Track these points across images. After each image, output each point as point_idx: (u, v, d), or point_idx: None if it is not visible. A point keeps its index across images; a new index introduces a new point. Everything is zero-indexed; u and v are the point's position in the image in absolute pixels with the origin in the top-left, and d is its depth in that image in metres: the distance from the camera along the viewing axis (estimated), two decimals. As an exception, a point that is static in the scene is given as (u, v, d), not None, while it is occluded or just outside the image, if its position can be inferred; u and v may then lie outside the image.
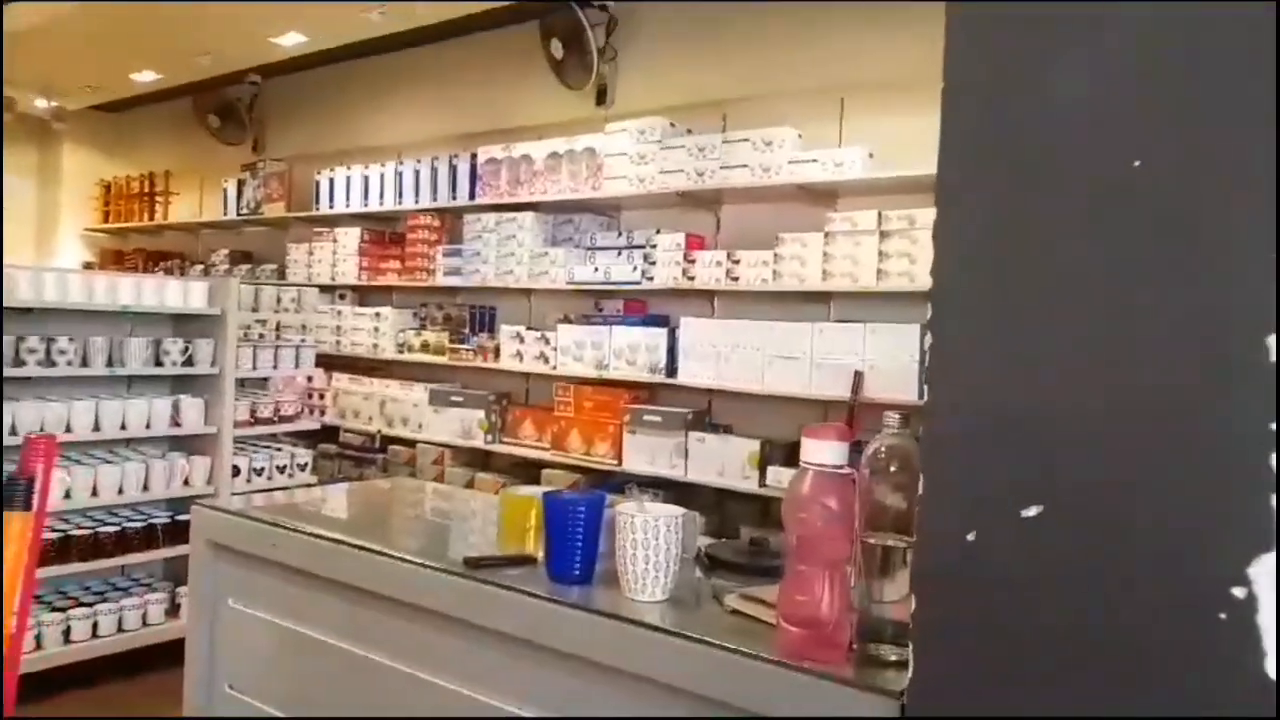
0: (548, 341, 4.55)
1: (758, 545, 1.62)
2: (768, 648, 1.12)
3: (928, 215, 3.64)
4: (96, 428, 3.52)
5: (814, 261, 3.75)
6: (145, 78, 6.81)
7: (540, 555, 1.51)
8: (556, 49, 4.86)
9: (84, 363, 3.51)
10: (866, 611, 1.12)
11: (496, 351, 4.80)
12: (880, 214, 3.58)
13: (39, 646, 3.31)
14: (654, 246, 4.26)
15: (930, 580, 0.94)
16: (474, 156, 5.07)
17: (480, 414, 4.73)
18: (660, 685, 1.20)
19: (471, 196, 5.05)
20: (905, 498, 1.11)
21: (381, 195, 5.57)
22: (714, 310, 4.30)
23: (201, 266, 6.97)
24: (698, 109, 4.45)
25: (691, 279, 4.12)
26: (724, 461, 3.85)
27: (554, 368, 4.51)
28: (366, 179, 5.69)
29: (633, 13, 4.78)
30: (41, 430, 3.34)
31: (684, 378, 4.03)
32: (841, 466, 1.12)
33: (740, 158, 4.01)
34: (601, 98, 4.87)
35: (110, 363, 3.57)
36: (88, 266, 8.12)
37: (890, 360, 3.43)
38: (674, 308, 4.34)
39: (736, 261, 3.99)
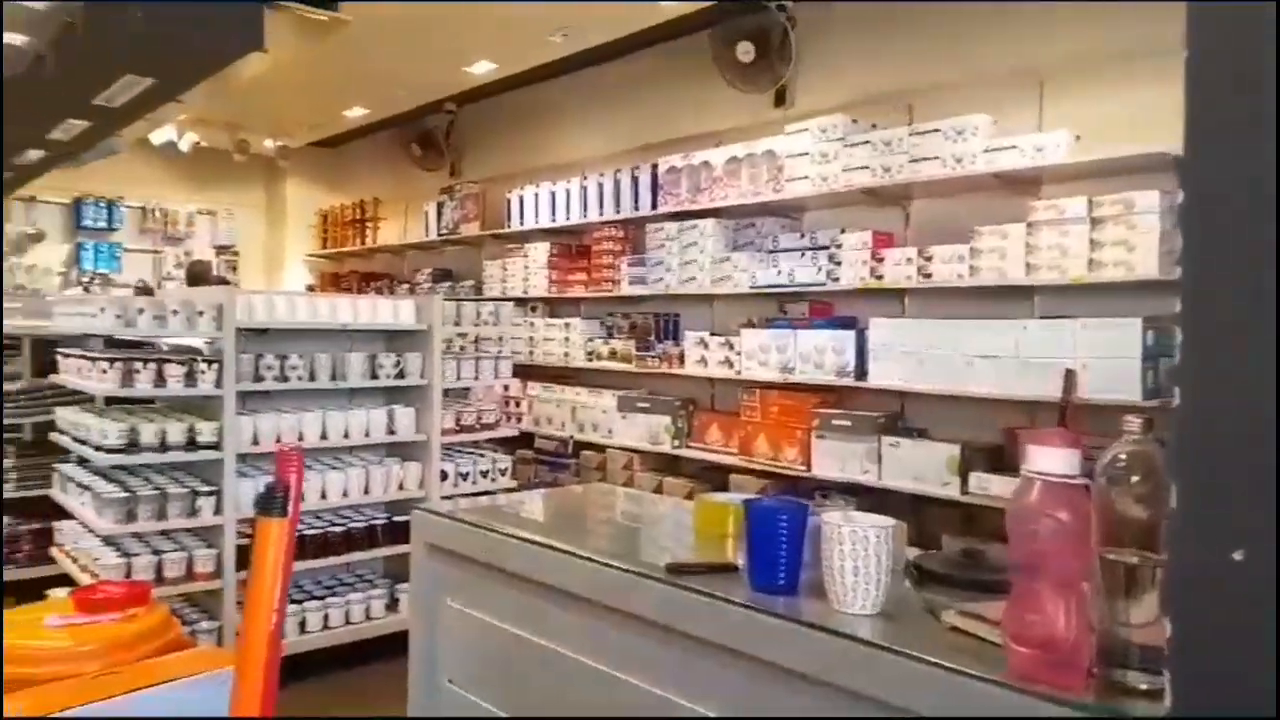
0: (732, 346, 4.54)
1: (971, 557, 1.53)
2: (996, 669, 1.06)
3: (1148, 199, 3.34)
4: (324, 436, 3.85)
5: (1015, 254, 3.52)
6: (356, 113, 7.41)
7: (741, 563, 1.50)
8: (745, 52, 4.83)
9: (312, 377, 3.84)
10: (1109, 634, 1.03)
11: (681, 358, 4.84)
12: (1091, 200, 3.31)
13: (302, 631, 3.66)
14: (839, 246, 4.16)
15: (1189, 604, 0.85)
16: (654, 167, 5.15)
17: (666, 419, 4.79)
18: (871, 701, 1.15)
19: (653, 206, 5.13)
20: (1149, 510, 1.01)
21: (568, 210, 5.77)
22: (904, 309, 4.14)
23: (407, 285, 7.48)
24: (881, 103, 4.31)
25: (880, 278, 3.98)
26: (920, 466, 3.69)
27: (738, 372, 4.50)
28: (554, 195, 5.91)
29: (810, 10, 4.70)
30: (278, 440, 3.70)
31: (875, 380, 3.90)
32: (1073, 476, 1.03)
33: (930, 150, 3.84)
34: (780, 99, 4.82)
35: (334, 377, 3.90)
36: (309, 289, 8.93)
37: (1107, 358, 3.16)
38: (861, 309, 4.21)
39: (929, 258, 3.82)
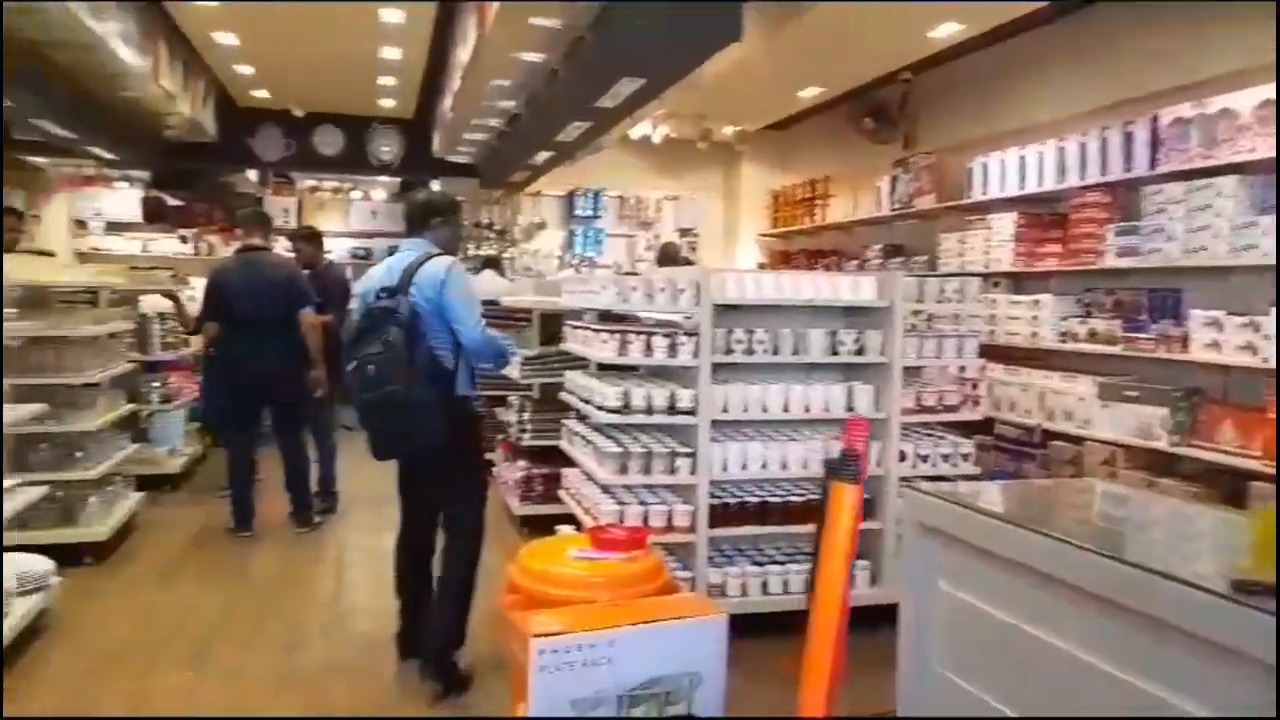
0: (1257, 329, 3.79)
1: None
2: None
3: None
4: (785, 409, 3.99)
5: None
6: (809, 93, 7.54)
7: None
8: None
9: (775, 351, 3.99)
10: None
11: (1184, 341, 4.17)
12: None
13: (744, 594, 3.89)
14: None
15: None
16: (1154, 120, 4.47)
17: (1163, 412, 4.17)
18: None
19: (1151, 166, 4.47)
20: None
21: (1040, 176, 5.28)
22: None
23: (856, 262, 7.47)
24: None
25: None
26: None
27: (1265, 360, 3.74)
28: (1023, 160, 5.45)
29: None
30: (745, 409, 3.91)
31: None
32: None
33: None
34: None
35: (795, 351, 4.01)
36: (760, 267, 9.36)
37: None
38: None
39: None
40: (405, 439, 3.27)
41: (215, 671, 3.52)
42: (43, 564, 3.88)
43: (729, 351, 3.92)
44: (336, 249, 10.37)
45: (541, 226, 10.51)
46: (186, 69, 7.47)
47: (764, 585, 3.93)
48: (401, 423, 3.21)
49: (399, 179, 12.04)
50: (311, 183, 12.82)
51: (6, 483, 3.82)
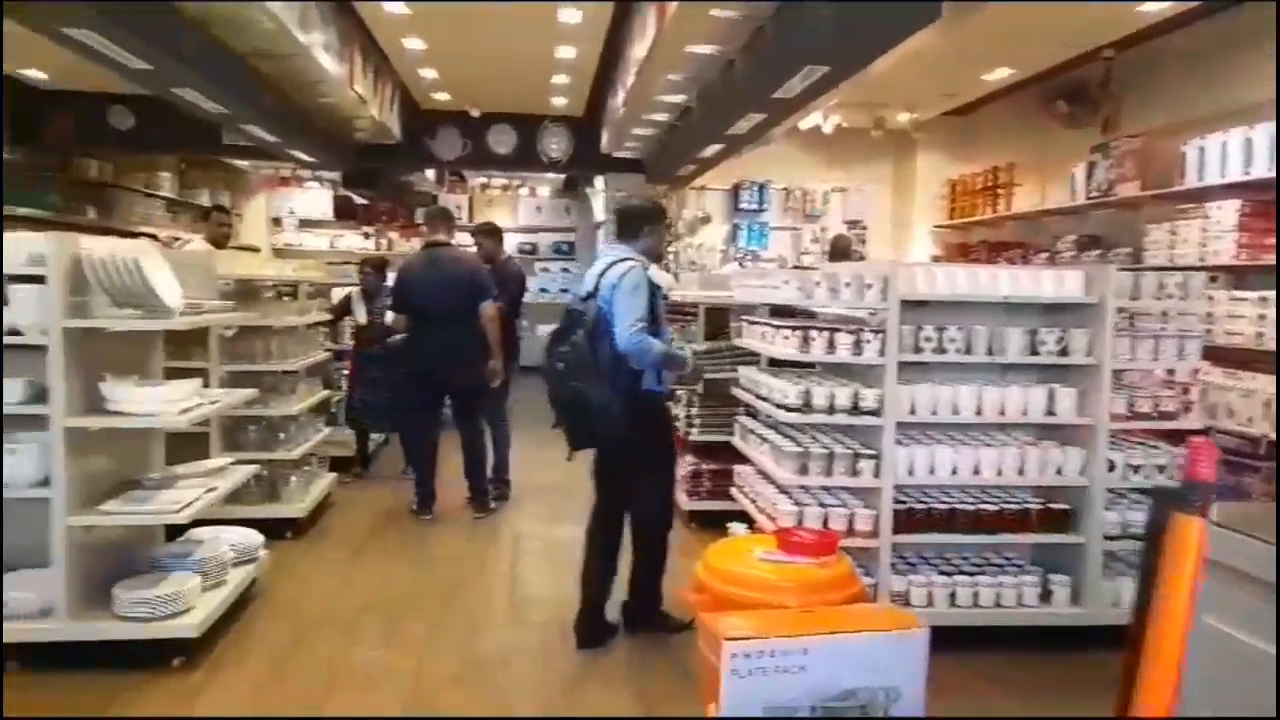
0: None
1: None
2: None
3: None
4: (978, 411, 3.76)
5: None
6: (996, 76, 7.11)
7: None
8: None
9: (967, 350, 3.77)
10: None
11: None
12: None
13: (929, 604, 3.69)
14: None
15: None
16: None
17: None
18: None
19: None
20: None
21: (1272, 159, 4.74)
22: None
23: (1046, 254, 6.99)
24: None
25: None
26: None
27: None
28: (1248, 142, 4.91)
29: None
30: (934, 412, 3.71)
31: None
32: None
33: None
34: None
35: (990, 351, 3.77)
36: (934, 260, 8.94)
37: None
38: None
39: None
40: (591, 432, 3.57)
41: (405, 647, 3.68)
42: (254, 537, 4.18)
43: (918, 350, 3.73)
44: (506, 244, 10.73)
45: (706, 221, 10.48)
46: (377, 75, 7.90)
47: (952, 597, 3.72)
48: (586, 417, 3.51)
49: (564, 175, 12.34)
50: (482, 180, 13.36)
51: (224, 460, 4.15)
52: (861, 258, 7.98)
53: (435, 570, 4.69)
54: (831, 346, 3.74)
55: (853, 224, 10.23)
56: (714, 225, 10.53)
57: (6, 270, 3.27)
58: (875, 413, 3.71)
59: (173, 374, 3.92)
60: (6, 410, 3.25)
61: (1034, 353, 3.76)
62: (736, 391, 4.65)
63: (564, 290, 13.25)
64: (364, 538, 5.19)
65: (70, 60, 5.51)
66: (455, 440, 5.67)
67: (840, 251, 7.36)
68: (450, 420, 5.78)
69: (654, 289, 3.72)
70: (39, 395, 3.28)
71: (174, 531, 3.96)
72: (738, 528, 4.37)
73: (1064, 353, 3.75)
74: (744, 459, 4.55)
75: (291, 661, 3.53)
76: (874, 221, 10.25)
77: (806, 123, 8.39)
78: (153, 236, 8.02)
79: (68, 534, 3.29)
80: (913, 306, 3.77)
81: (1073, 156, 6.76)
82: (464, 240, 7.59)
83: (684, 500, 5.43)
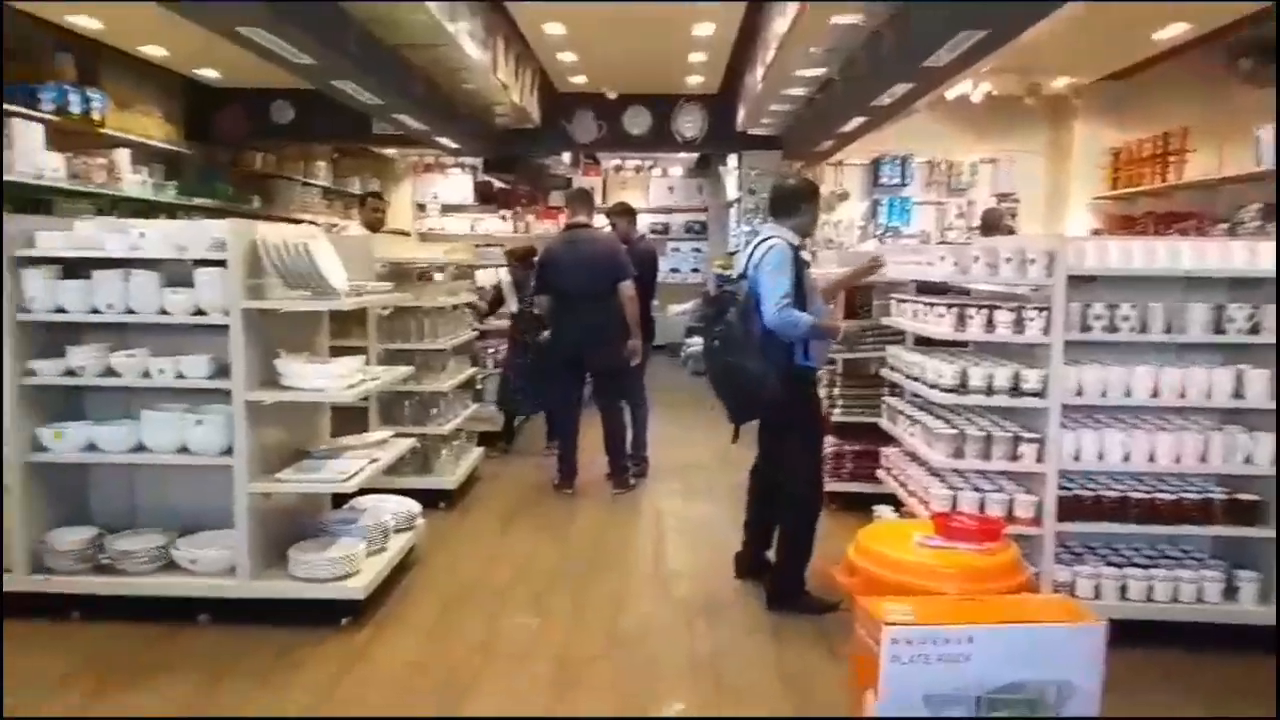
0: None
1: None
2: None
3: None
4: (1154, 394, 3.50)
5: None
6: (1168, 33, 6.58)
7: None
8: None
9: (1143, 328, 3.51)
10: None
11: None
12: None
13: (1097, 596, 3.48)
14: None
15: None
16: None
17: None
18: None
19: None
20: None
21: None
22: None
23: (1225, 225, 6.45)
24: None
25: None
26: None
27: None
28: None
29: None
30: (1104, 395, 3.48)
31: None
32: None
33: None
34: None
35: (1168, 329, 3.50)
36: (1095, 233, 8.39)
37: None
38: None
39: None
40: (743, 406, 3.79)
41: (554, 617, 3.77)
42: (412, 506, 4.38)
43: (1086, 328, 3.51)
44: (639, 224, 10.79)
45: (844, 197, 10.22)
46: (518, 61, 8.06)
47: (1122, 589, 3.50)
48: (738, 391, 3.72)
49: (697, 154, 12.28)
50: (615, 162, 13.47)
51: (385, 433, 4.35)
52: (1012, 232, 7.57)
53: (578, 544, 4.78)
54: (990, 325, 3.57)
55: (1003, 197, 9.73)
56: (852, 201, 10.25)
57: (192, 255, 3.53)
58: (1039, 394, 3.52)
59: (335, 352, 4.14)
60: (194, 385, 3.53)
61: (1219, 330, 3.47)
62: (885, 372, 4.52)
63: (694, 270, 13.22)
64: (511, 510, 5.36)
65: (238, 59, 5.88)
66: (595, 418, 5.76)
67: (991, 225, 7.01)
68: (590, 398, 5.87)
69: (801, 265, 3.73)
70: (222, 371, 3.53)
71: (338, 499, 4.20)
72: (885, 510, 4.25)
73: (1254, 330, 3.44)
74: (889, 440, 4.42)
75: (449, 625, 3.68)
76: (1026, 194, 9.72)
77: (953, 92, 8.03)
78: (312, 223, 8.49)
79: (249, 499, 3.54)
80: (1077, 283, 3.55)
81: (1257, 119, 6.18)
82: (601, 222, 7.67)
83: (826, 481, 5.33)
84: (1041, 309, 3.50)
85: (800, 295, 3.66)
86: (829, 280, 4.45)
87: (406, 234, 9.56)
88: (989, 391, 3.57)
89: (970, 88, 8.08)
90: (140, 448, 3.56)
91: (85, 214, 5.38)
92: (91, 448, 3.56)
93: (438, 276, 6.03)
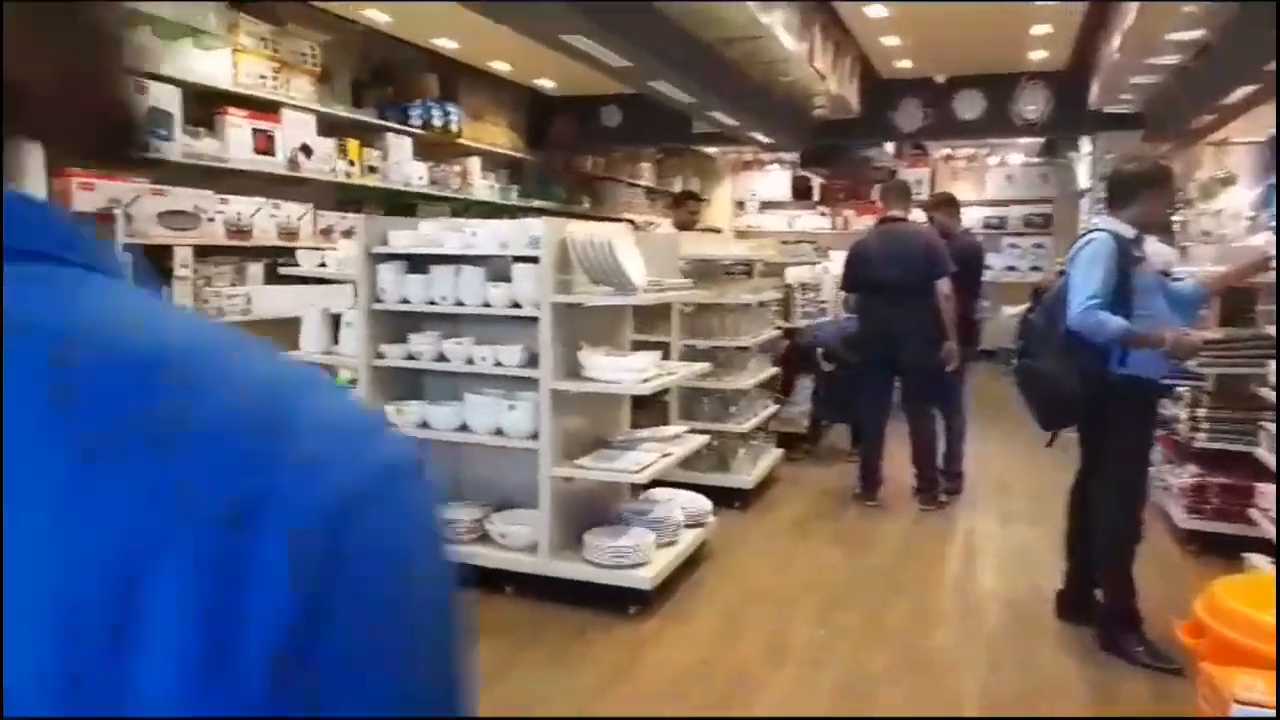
0: None
1: None
2: None
3: None
4: None
5: None
6: None
7: None
8: None
9: None
10: None
11: None
12: None
13: None
14: None
15: None
16: None
17: None
18: None
19: None
20: None
21: None
22: None
23: None
24: None
25: None
26: None
27: None
28: None
29: None
30: None
31: None
32: None
33: None
34: None
35: None
36: None
37: None
38: None
39: None
40: (1043, 410, 3.44)
41: (842, 633, 3.57)
42: (704, 503, 4.40)
43: None
44: (969, 218, 9.99)
45: (1228, 182, 8.67)
46: (836, 48, 7.81)
47: None
48: (1035, 393, 3.40)
49: (1041, 138, 11.15)
50: (946, 152, 12.64)
51: (681, 427, 4.40)
52: None
53: (876, 559, 4.50)
54: None
55: None
56: (1238, 188, 8.66)
57: (512, 251, 3.79)
58: None
59: (640, 346, 4.25)
60: (509, 372, 3.79)
61: None
62: (1263, 391, 3.73)
63: (1034, 268, 12.03)
64: (807, 516, 5.19)
65: (570, 68, 6.28)
66: (903, 426, 5.41)
67: None
68: (898, 404, 5.52)
69: (1129, 260, 3.17)
70: (532, 360, 3.76)
71: (637, 490, 4.31)
72: (1259, 560, 3.51)
73: None
74: (1267, 474, 3.64)
75: (734, 625, 3.63)
76: None
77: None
78: (630, 222, 8.90)
79: (551, 482, 3.74)
80: None
81: None
82: (921, 216, 7.20)
83: (1180, 516, 4.53)
84: None
85: (1126, 295, 3.17)
86: (1212, 279, 3.77)
87: (719, 231, 9.69)
88: None
89: None
90: (463, 427, 3.91)
91: (443, 216, 6.07)
92: (425, 425, 3.97)
93: (746, 274, 6.01)
